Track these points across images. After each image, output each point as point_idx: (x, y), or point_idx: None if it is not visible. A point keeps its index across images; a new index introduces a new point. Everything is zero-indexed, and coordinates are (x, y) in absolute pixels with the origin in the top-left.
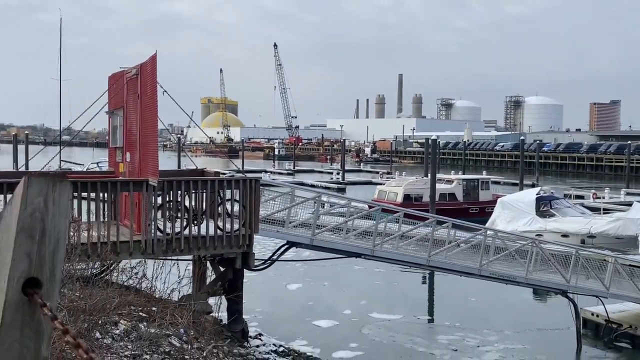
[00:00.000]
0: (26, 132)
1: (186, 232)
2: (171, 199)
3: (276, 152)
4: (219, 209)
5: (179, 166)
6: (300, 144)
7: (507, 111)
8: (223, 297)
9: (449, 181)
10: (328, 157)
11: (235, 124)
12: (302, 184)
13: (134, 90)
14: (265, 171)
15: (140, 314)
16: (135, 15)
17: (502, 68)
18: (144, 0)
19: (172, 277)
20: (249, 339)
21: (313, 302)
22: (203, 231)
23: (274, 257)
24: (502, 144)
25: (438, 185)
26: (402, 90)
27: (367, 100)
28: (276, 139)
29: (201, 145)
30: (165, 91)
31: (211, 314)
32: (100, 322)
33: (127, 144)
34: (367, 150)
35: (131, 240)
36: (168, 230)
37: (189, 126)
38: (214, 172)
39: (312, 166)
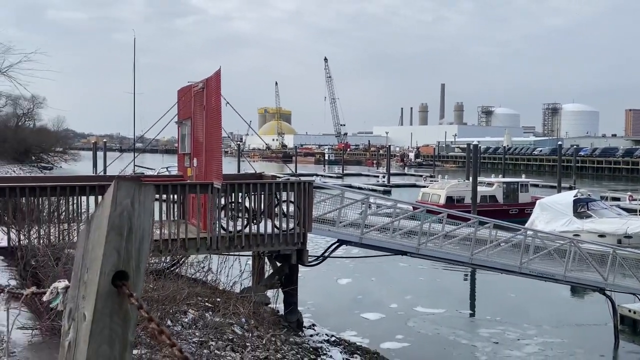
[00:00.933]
0: (104, 140)
1: (247, 230)
2: (233, 200)
3: (326, 157)
4: (276, 209)
5: (238, 170)
6: (348, 149)
7: (545, 118)
8: (280, 290)
9: (490, 184)
10: (374, 161)
11: (289, 132)
12: (350, 186)
13: (200, 102)
14: (317, 175)
15: (206, 304)
16: (200, 35)
17: (540, 77)
18: (208, 21)
19: (234, 271)
20: (304, 328)
21: (362, 296)
22: (262, 230)
23: (326, 254)
24: (540, 148)
25: (479, 188)
26: (444, 99)
27: (411, 108)
28: (326, 145)
29: (258, 152)
30: (228, 102)
31: (269, 305)
32: (171, 311)
33: (194, 151)
34: (411, 155)
35: (198, 238)
36: (230, 229)
37: (247, 134)
38: (270, 176)
39: (360, 170)
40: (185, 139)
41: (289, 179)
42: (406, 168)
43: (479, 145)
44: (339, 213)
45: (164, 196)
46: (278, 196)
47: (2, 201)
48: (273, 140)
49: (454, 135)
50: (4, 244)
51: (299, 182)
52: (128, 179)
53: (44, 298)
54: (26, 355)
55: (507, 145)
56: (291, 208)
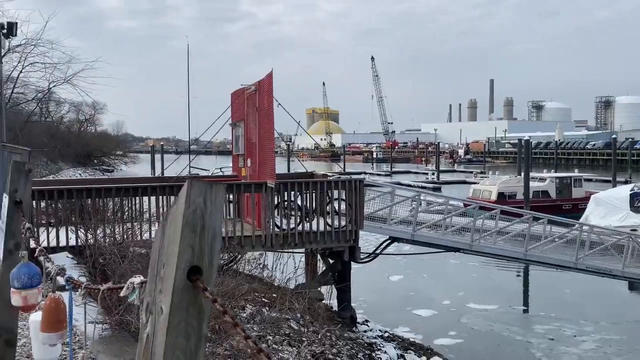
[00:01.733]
0: (161, 143)
1: (300, 228)
2: (286, 198)
3: (374, 156)
4: (328, 207)
5: (288, 170)
6: (396, 147)
7: (598, 111)
8: (333, 286)
9: (542, 179)
10: (423, 158)
11: (337, 131)
12: (399, 184)
13: (253, 104)
14: (365, 173)
15: (263, 299)
16: (250, 39)
17: (592, 70)
18: (257, 26)
19: (288, 267)
20: (357, 324)
21: (413, 292)
22: (314, 227)
23: (377, 251)
24: (593, 142)
25: (531, 183)
26: (493, 94)
27: (460, 105)
28: (374, 144)
29: (307, 151)
30: (280, 104)
31: (323, 301)
32: (230, 306)
33: (247, 151)
34: (461, 152)
35: (253, 235)
36: (284, 226)
37: (296, 134)
38: (322, 175)
39: (408, 167)
40: (239, 140)
41: (340, 177)
42: (456, 165)
43: (530, 141)
44: (390, 210)
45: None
46: (330, 194)
47: (70, 202)
48: (321, 139)
49: (504, 131)
50: (73, 242)
51: (350, 180)
52: (200, 179)
53: (121, 293)
54: (97, 348)
55: (559, 140)
56: (342, 206)
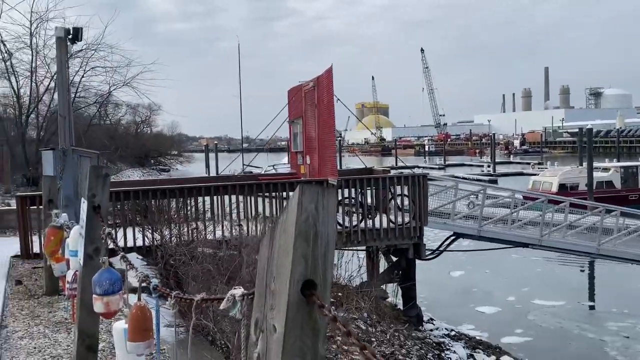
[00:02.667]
0: (215, 142)
1: (362, 225)
2: (347, 195)
3: (426, 149)
4: (391, 203)
5: (340, 166)
6: (449, 139)
7: None
8: (397, 284)
9: (606, 169)
10: (477, 151)
11: (387, 125)
12: (453, 176)
13: (311, 100)
14: (417, 167)
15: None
16: (297, 37)
17: None
18: (303, 24)
19: (351, 266)
20: (423, 323)
21: (476, 288)
22: (377, 224)
23: (442, 248)
24: None
25: (594, 174)
26: (548, 83)
27: (513, 94)
28: (425, 137)
29: (357, 146)
30: (339, 99)
31: (387, 300)
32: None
33: (306, 148)
34: (516, 143)
35: None
36: (347, 224)
37: (345, 129)
38: (382, 170)
39: (462, 160)
40: (297, 138)
41: (402, 172)
42: (511, 156)
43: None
44: (454, 206)
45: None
46: (392, 190)
47: (135, 203)
48: (371, 134)
49: (561, 120)
50: (140, 243)
51: (413, 175)
52: (311, 183)
53: (221, 306)
54: (175, 352)
55: (620, 128)
56: (405, 202)
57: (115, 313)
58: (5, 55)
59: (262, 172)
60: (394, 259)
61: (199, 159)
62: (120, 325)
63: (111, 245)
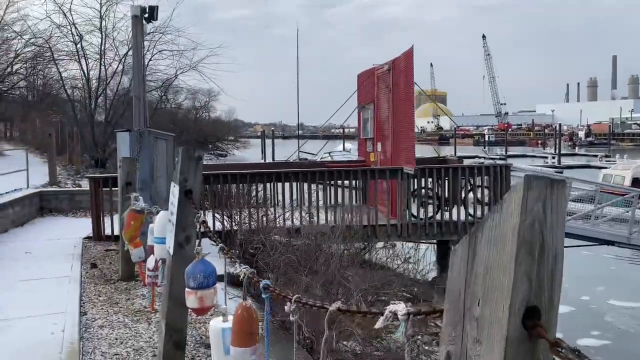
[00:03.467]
0: (272, 129)
1: (438, 217)
2: (422, 185)
3: (486, 139)
4: (469, 195)
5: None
6: (509, 129)
7: None
8: None
9: None
10: (539, 141)
11: (444, 114)
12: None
13: (385, 84)
14: (478, 157)
15: (404, 294)
16: (354, 23)
17: None
18: (362, 8)
19: (423, 261)
20: None
21: None
22: (454, 217)
23: None
24: None
25: None
26: (616, 72)
27: (578, 83)
28: (485, 126)
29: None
30: (416, 84)
31: None
32: (370, 299)
33: (377, 135)
34: (581, 134)
35: (388, 224)
36: (421, 216)
37: None
38: (456, 159)
39: (523, 151)
40: (367, 124)
41: (483, 162)
42: (576, 148)
43: None
44: None
45: (345, 182)
46: (472, 181)
47: (211, 188)
48: (428, 122)
49: (630, 111)
50: (217, 229)
51: (495, 165)
52: (538, 177)
53: (377, 325)
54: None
55: None
56: (482, 193)
57: (209, 309)
58: (77, 37)
59: (318, 160)
60: None
61: (255, 145)
62: (218, 325)
63: (203, 229)
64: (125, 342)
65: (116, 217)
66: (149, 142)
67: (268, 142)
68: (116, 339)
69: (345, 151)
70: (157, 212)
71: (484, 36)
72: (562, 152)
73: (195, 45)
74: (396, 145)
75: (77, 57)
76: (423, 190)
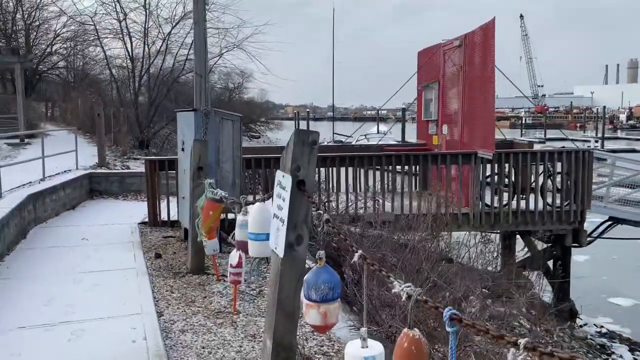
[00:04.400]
0: (307, 110)
1: (514, 206)
2: (496, 171)
3: (523, 121)
4: (547, 182)
5: (403, 137)
6: (547, 112)
7: None
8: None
9: None
10: (578, 124)
11: None
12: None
13: (456, 61)
14: (514, 140)
15: (483, 290)
16: (387, 3)
17: None
18: None
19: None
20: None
21: (606, 277)
22: (531, 206)
23: (595, 234)
24: None
25: None
26: None
27: (618, 65)
28: (520, 108)
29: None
30: (497, 67)
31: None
32: (447, 295)
33: (442, 117)
34: (622, 117)
35: (460, 213)
36: (495, 204)
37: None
38: (527, 143)
39: (562, 134)
40: (430, 105)
41: (563, 147)
42: (618, 131)
43: None
44: (608, 189)
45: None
46: (551, 168)
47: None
48: None
49: None
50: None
51: (577, 150)
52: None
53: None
54: None
55: None
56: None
57: (332, 326)
58: (121, 15)
59: (353, 143)
60: (541, 245)
61: (287, 127)
62: (359, 351)
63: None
64: (215, 353)
65: (173, 202)
66: (215, 123)
67: (300, 123)
68: (203, 347)
69: (382, 133)
70: (246, 203)
71: (521, 16)
72: (604, 136)
73: (242, 22)
74: (469, 127)
75: (121, 35)
76: (496, 177)
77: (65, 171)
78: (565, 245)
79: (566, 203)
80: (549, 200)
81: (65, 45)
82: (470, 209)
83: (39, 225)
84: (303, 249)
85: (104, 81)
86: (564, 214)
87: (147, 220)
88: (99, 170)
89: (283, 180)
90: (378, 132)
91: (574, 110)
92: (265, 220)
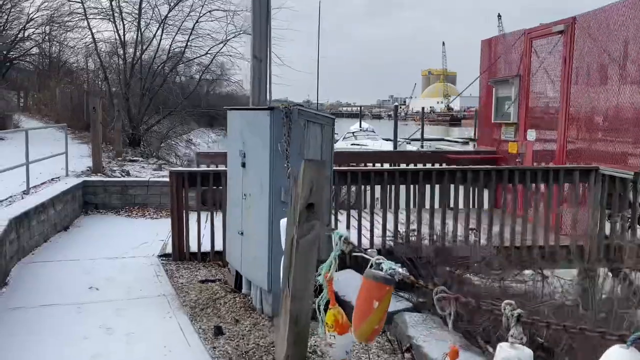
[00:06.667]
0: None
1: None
2: (620, 193)
3: None
4: None
5: (395, 136)
6: None
7: None
8: None
9: None
10: None
11: (454, 94)
12: None
13: (553, 51)
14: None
15: None
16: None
17: None
18: None
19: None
20: None
21: None
22: None
23: None
24: None
25: None
26: None
27: None
28: None
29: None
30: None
31: None
32: None
33: (527, 119)
34: None
35: (572, 246)
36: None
37: (410, 97)
38: None
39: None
40: (504, 104)
41: None
42: None
43: None
44: None
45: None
46: None
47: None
48: (437, 103)
49: None
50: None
51: None
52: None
53: None
54: None
55: None
56: None
57: None
58: None
59: (350, 145)
60: None
61: None
62: None
63: None
64: None
65: (204, 226)
66: (299, 127)
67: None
68: None
69: (369, 131)
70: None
71: (499, 15)
72: None
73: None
74: (577, 135)
75: (111, 16)
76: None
77: (53, 179)
78: None
79: None
80: None
81: (39, 31)
82: (584, 241)
83: (23, 261)
84: None
85: (88, 69)
86: None
87: (168, 250)
88: (94, 178)
89: None
90: (361, 129)
91: None
92: None
